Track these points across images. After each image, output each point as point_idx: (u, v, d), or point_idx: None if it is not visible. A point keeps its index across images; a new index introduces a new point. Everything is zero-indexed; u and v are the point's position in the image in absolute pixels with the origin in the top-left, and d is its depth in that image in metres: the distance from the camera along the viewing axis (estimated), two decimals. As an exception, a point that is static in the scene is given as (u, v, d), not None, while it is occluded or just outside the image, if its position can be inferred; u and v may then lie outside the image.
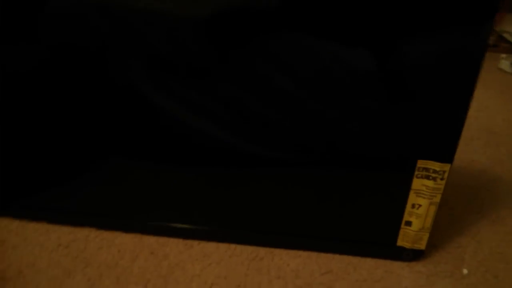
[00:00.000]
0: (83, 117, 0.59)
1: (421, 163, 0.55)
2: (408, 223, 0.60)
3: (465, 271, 0.61)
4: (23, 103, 0.59)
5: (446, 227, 0.68)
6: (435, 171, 0.55)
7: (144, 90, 0.56)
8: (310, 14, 0.48)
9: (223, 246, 0.63)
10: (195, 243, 0.63)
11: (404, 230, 0.60)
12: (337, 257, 0.63)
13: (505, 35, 1.58)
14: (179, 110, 0.56)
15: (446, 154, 0.54)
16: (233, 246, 0.63)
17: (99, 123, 0.59)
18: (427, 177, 0.56)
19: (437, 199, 0.57)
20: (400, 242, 0.61)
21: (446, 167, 0.55)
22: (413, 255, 0.62)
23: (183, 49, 0.52)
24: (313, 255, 0.63)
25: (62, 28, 0.53)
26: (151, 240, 0.64)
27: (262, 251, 0.63)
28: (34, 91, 0.58)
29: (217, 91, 0.54)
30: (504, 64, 1.42)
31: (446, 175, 0.55)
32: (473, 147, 0.89)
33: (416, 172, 0.56)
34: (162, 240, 0.64)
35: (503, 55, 1.46)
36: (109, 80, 0.56)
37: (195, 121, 0.57)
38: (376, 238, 0.62)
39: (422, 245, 0.61)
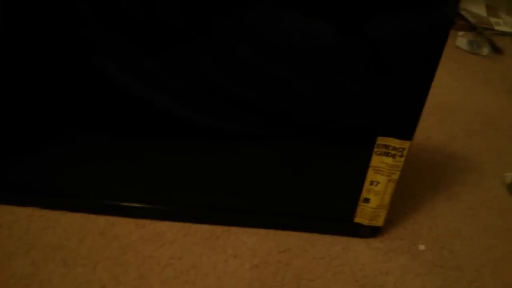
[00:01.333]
0: (34, 88, 0.54)
1: (380, 140, 0.54)
2: (366, 200, 0.59)
3: (421, 247, 0.61)
4: None
5: (402, 204, 0.68)
6: (394, 148, 0.54)
7: (103, 60, 0.52)
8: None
9: (177, 226, 0.61)
10: (147, 222, 0.61)
11: (362, 207, 0.60)
12: (294, 234, 0.62)
13: (463, 13, 1.59)
14: (136, 80, 0.53)
15: (406, 131, 0.54)
16: (187, 225, 0.61)
17: (51, 93, 0.55)
18: (386, 154, 0.55)
19: (396, 176, 0.56)
20: (357, 219, 0.61)
21: (406, 144, 0.54)
22: (370, 232, 0.62)
23: (151, 15, 0.48)
24: (271, 232, 0.61)
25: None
26: (99, 220, 0.60)
27: (218, 229, 0.61)
28: None
29: (180, 62, 0.51)
30: (461, 41, 1.43)
31: (405, 152, 0.54)
32: (429, 123, 0.90)
33: (375, 149, 0.55)
34: (112, 219, 0.60)
35: (460, 33, 1.47)
36: (70, 50, 0.51)
37: (152, 92, 0.53)
38: (334, 214, 0.61)
39: (379, 222, 0.61)
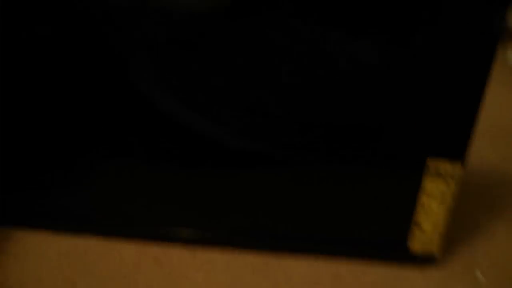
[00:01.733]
0: (80, 121, 0.57)
1: (432, 163, 0.54)
2: (419, 226, 0.58)
3: (478, 273, 0.59)
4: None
5: (457, 229, 0.66)
6: (446, 171, 0.53)
7: (143, 89, 0.54)
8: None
9: (228, 253, 0.62)
10: (199, 249, 0.62)
11: (415, 233, 0.59)
12: (345, 262, 0.61)
13: None
14: (183, 109, 0.55)
15: (458, 153, 0.53)
16: (238, 252, 0.62)
17: (97, 125, 0.57)
18: (438, 177, 0.54)
19: (449, 200, 0.55)
20: (410, 245, 0.60)
21: (458, 166, 0.53)
22: (424, 259, 0.60)
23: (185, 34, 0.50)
24: (321, 260, 0.61)
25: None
26: (153, 248, 0.62)
27: (268, 256, 0.61)
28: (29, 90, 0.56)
29: (219, 84, 0.53)
30: None
31: (458, 175, 0.53)
32: (483, 144, 0.87)
33: (426, 172, 0.54)
34: (165, 247, 0.62)
35: None
36: (107, 79, 0.54)
37: (199, 121, 0.55)
38: (386, 241, 0.61)
39: (433, 248, 0.59)
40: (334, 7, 0.46)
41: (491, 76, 0.48)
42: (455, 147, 0.53)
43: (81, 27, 0.50)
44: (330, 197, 0.59)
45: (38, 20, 0.51)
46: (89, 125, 0.57)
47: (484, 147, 0.88)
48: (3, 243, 0.63)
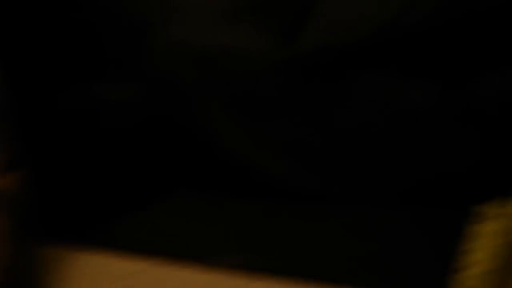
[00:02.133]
0: (145, 152, 0.62)
1: (478, 208, 0.58)
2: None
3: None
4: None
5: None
6: (493, 215, 0.58)
7: (212, 126, 0.60)
8: (389, 53, 0.53)
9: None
10: (255, 277, 0.64)
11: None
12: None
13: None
14: (246, 144, 0.60)
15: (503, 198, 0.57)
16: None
17: (162, 158, 0.62)
18: (485, 221, 0.58)
19: (497, 243, 0.59)
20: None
21: (506, 210, 0.57)
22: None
23: (265, 87, 0.57)
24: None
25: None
26: (210, 276, 0.64)
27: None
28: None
29: (288, 127, 0.58)
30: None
31: (505, 219, 0.58)
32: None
33: (473, 217, 0.58)
34: (219, 273, 0.64)
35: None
36: (181, 113, 0.60)
37: (261, 157, 0.60)
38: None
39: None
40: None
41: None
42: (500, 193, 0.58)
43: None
44: (378, 244, 0.62)
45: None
46: (161, 159, 0.63)
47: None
48: (61, 263, 0.65)
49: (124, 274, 0.63)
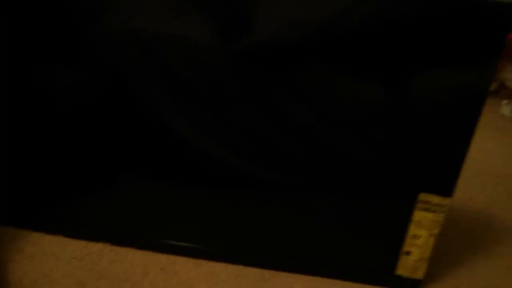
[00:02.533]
0: (101, 135, 0.63)
1: (422, 196, 0.59)
2: (408, 253, 0.63)
3: (461, 301, 0.64)
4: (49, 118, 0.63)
5: (443, 260, 0.71)
6: (435, 204, 0.59)
7: (163, 114, 0.60)
8: (329, 52, 0.52)
9: (230, 267, 0.66)
10: (203, 262, 0.66)
11: (403, 260, 0.63)
12: (338, 282, 0.66)
13: (507, 83, 1.64)
14: (195, 133, 0.60)
15: (446, 188, 0.58)
16: (239, 267, 0.66)
17: (117, 141, 0.63)
18: (428, 210, 0.59)
19: (436, 231, 0.60)
20: (399, 271, 0.64)
21: (446, 201, 0.58)
22: (411, 284, 0.65)
23: (210, 77, 0.56)
24: (317, 279, 0.66)
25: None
26: (161, 258, 0.66)
27: (267, 273, 0.66)
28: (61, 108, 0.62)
29: (236, 117, 0.58)
30: (505, 109, 1.48)
31: (445, 208, 0.59)
32: (472, 186, 0.93)
33: (417, 205, 0.60)
34: (172, 258, 0.67)
35: (504, 101, 1.52)
36: (130, 100, 0.60)
37: (209, 144, 0.61)
38: (376, 266, 0.65)
39: (420, 275, 0.64)
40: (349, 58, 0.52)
41: (479, 124, 0.53)
42: (444, 183, 0.58)
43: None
44: (328, 225, 0.64)
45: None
46: (111, 144, 0.63)
47: (474, 189, 0.94)
48: (21, 243, 0.67)
49: (78, 255, 0.66)
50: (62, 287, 0.61)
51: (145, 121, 0.61)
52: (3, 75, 0.60)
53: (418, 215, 0.60)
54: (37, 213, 0.69)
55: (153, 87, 0.58)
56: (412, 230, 0.61)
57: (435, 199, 0.58)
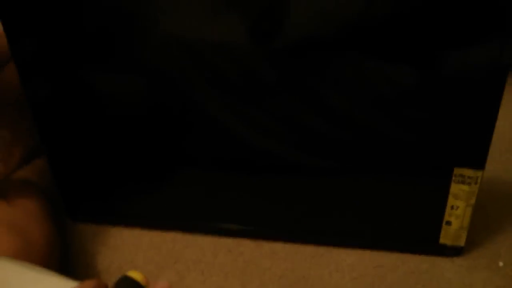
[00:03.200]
0: (160, 134, 0.72)
1: (457, 171, 0.65)
2: (448, 223, 0.69)
3: (501, 263, 0.70)
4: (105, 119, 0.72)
5: (483, 228, 0.77)
6: (469, 177, 0.65)
7: (212, 110, 0.68)
8: (360, 39, 0.59)
9: (288, 245, 0.74)
10: (264, 243, 0.75)
11: (445, 229, 0.70)
12: (387, 253, 0.73)
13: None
14: (242, 126, 0.68)
15: (478, 161, 0.64)
16: (297, 245, 0.74)
17: (175, 138, 0.71)
18: (463, 182, 0.66)
19: (473, 201, 0.66)
20: (442, 240, 0.71)
21: (479, 173, 0.64)
22: (454, 251, 0.71)
23: (252, 75, 0.64)
24: (367, 252, 0.73)
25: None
26: (227, 241, 0.75)
27: (321, 249, 0.74)
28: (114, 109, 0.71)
29: (279, 109, 0.66)
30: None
31: (479, 180, 0.65)
32: (506, 158, 0.97)
33: (453, 178, 0.66)
34: (237, 240, 0.75)
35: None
36: (182, 100, 0.68)
37: (256, 136, 0.68)
38: (421, 236, 0.72)
39: (461, 242, 0.70)
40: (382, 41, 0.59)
41: (505, 97, 0.59)
42: (475, 156, 0.64)
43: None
44: (375, 202, 0.71)
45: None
46: (170, 141, 0.72)
47: (509, 161, 0.98)
48: (104, 237, 0.78)
49: (155, 244, 0.76)
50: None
51: (198, 119, 0.69)
52: (66, 78, 0.68)
53: (455, 187, 0.66)
54: (115, 210, 0.79)
55: (200, 86, 0.66)
56: (451, 201, 0.67)
57: (468, 172, 0.65)
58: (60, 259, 0.67)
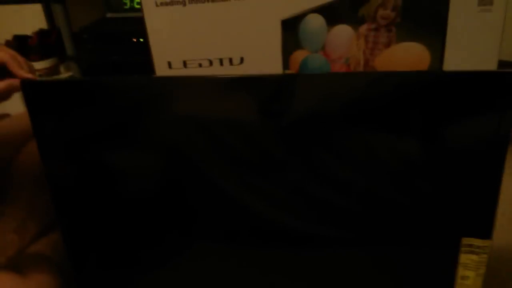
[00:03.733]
0: (177, 211, 0.73)
1: (465, 241, 0.66)
2: (460, 294, 0.69)
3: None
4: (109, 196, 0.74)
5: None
6: (478, 247, 0.66)
7: (222, 185, 0.70)
8: (363, 117, 0.62)
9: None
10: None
11: (457, 300, 0.69)
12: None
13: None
14: (251, 199, 0.70)
15: (485, 231, 0.65)
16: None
17: (185, 214, 0.73)
18: (472, 252, 0.66)
19: (483, 270, 0.67)
20: (454, 312, 0.70)
21: (487, 242, 0.65)
22: (466, 324, 0.70)
23: (261, 150, 0.67)
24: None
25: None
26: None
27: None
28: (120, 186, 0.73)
29: (286, 182, 0.68)
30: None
31: (487, 249, 0.65)
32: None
33: (462, 248, 0.66)
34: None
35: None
36: (191, 176, 0.70)
37: (266, 210, 0.70)
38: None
39: (474, 314, 0.70)
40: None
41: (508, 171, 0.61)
42: (482, 226, 0.65)
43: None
44: (382, 275, 0.71)
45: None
46: (180, 217, 0.74)
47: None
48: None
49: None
50: None
51: (210, 193, 0.71)
52: (84, 157, 0.71)
53: (464, 257, 0.67)
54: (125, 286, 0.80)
55: (212, 162, 0.69)
56: (461, 271, 0.68)
57: (476, 242, 0.65)
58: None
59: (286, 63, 0.85)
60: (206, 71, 0.87)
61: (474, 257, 0.66)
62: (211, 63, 0.87)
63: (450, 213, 0.66)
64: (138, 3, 1.57)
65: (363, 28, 0.80)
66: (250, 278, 0.75)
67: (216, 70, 0.86)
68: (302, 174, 0.67)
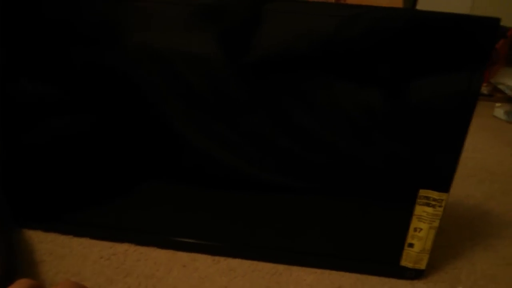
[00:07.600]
0: (121, 143, 0.68)
1: (422, 192, 0.64)
2: (411, 245, 0.68)
3: (460, 288, 0.69)
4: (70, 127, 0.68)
5: (443, 252, 0.76)
6: (434, 199, 0.64)
7: (178, 122, 0.65)
8: (333, 61, 0.58)
9: (246, 262, 0.71)
10: (221, 259, 0.72)
11: (407, 252, 0.69)
12: (347, 274, 0.71)
13: (500, 86, 1.71)
14: (208, 140, 0.66)
15: (444, 185, 0.63)
16: (255, 262, 0.71)
17: (137, 149, 0.68)
18: (427, 204, 0.65)
19: (436, 224, 0.66)
20: (403, 262, 0.69)
21: (444, 196, 0.64)
22: (414, 274, 0.70)
23: (221, 88, 0.62)
24: (326, 272, 0.71)
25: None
26: (182, 255, 0.72)
27: (281, 267, 0.71)
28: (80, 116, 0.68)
29: (244, 125, 0.64)
30: (498, 112, 1.55)
31: (443, 203, 0.64)
32: (469, 183, 0.98)
33: (418, 200, 0.65)
34: (193, 255, 0.72)
35: (498, 104, 1.60)
36: (146, 111, 0.65)
37: (222, 152, 0.66)
38: (382, 258, 0.70)
39: (422, 265, 0.69)
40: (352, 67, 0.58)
41: (476, 126, 0.59)
42: (441, 180, 0.64)
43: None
44: (337, 221, 0.69)
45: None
46: (129, 151, 0.68)
47: (471, 186, 0.99)
48: (50, 245, 0.73)
49: (105, 255, 0.71)
50: (92, 284, 0.66)
51: (162, 130, 0.66)
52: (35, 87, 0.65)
53: (419, 209, 0.65)
54: (64, 218, 0.75)
55: (167, 98, 0.64)
56: (414, 223, 0.66)
57: (434, 194, 0.64)
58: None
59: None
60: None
61: (429, 209, 0.65)
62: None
63: (410, 165, 0.63)
64: None
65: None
66: (196, 218, 0.71)
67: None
68: (261, 118, 0.63)
